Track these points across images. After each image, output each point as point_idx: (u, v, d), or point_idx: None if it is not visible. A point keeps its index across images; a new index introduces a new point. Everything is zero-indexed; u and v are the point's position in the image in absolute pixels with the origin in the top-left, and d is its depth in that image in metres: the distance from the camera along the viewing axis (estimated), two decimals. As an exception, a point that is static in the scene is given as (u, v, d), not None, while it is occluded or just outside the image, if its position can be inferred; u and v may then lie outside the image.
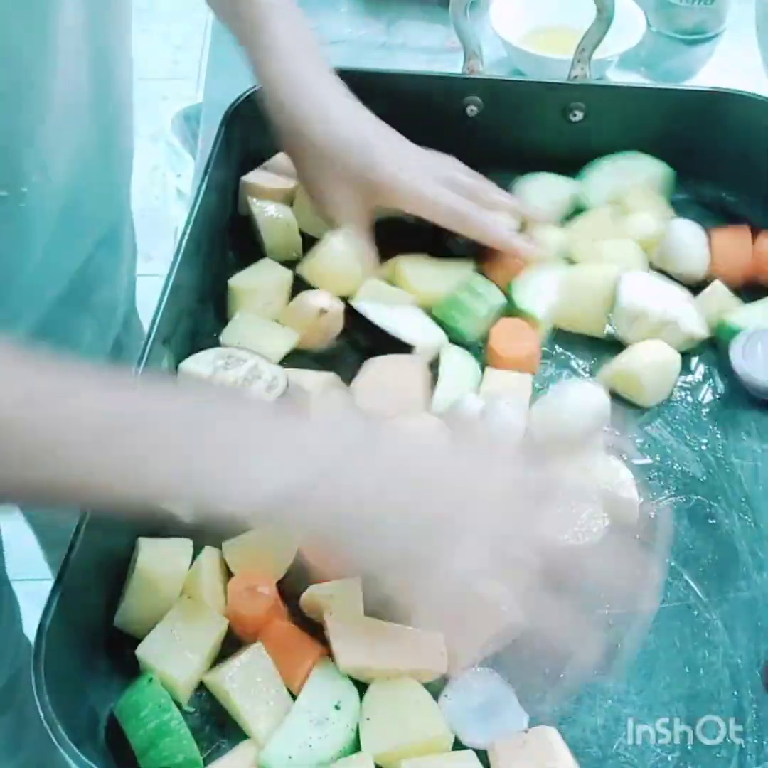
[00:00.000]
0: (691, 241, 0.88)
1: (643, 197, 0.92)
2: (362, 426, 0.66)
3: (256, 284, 0.86)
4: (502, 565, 0.61)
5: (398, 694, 0.63)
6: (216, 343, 0.82)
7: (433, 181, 0.85)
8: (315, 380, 0.80)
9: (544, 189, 0.94)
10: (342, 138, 0.83)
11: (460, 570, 0.59)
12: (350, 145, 0.83)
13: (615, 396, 0.79)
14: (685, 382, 0.82)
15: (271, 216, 0.91)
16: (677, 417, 0.80)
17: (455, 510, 0.60)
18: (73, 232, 0.79)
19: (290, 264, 0.88)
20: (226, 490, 0.57)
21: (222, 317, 0.86)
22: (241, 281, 0.86)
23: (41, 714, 0.57)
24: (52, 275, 0.80)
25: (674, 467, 0.77)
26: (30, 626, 0.61)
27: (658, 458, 0.77)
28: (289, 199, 0.94)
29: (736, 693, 0.65)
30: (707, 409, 0.81)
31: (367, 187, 0.84)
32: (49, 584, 0.62)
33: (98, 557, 0.67)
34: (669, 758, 0.62)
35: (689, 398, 0.82)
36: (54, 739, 0.56)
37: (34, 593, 1.13)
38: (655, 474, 0.76)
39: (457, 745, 0.62)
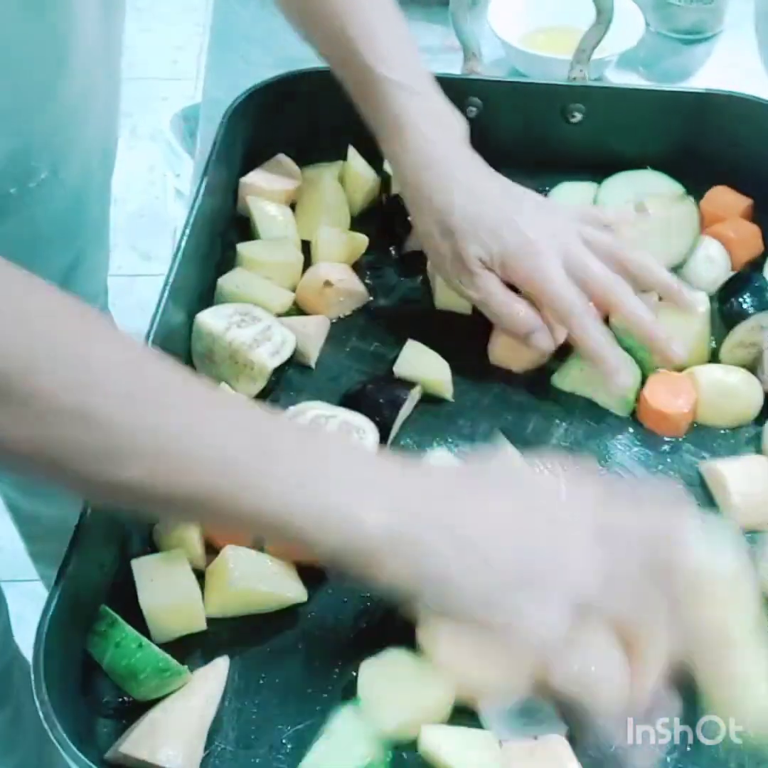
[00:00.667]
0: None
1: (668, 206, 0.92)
2: (455, 472, 0.64)
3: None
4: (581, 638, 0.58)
5: (390, 670, 0.63)
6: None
7: (564, 270, 0.77)
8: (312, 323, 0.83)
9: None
10: (468, 217, 0.78)
11: (537, 637, 0.57)
12: (477, 224, 0.78)
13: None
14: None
15: (271, 217, 0.91)
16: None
17: (548, 565, 0.58)
18: (72, 229, 0.80)
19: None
20: (324, 521, 0.55)
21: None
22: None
23: (41, 714, 0.57)
24: (48, 270, 0.80)
25: None
26: (29, 626, 0.61)
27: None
28: (288, 200, 0.94)
29: (735, 693, 0.65)
30: None
31: (501, 265, 0.78)
32: (46, 585, 0.62)
33: (98, 557, 0.67)
34: (668, 759, 0.62)
35: None
36: (54, 740, 0.56)
37: (30, 593, 1.14)
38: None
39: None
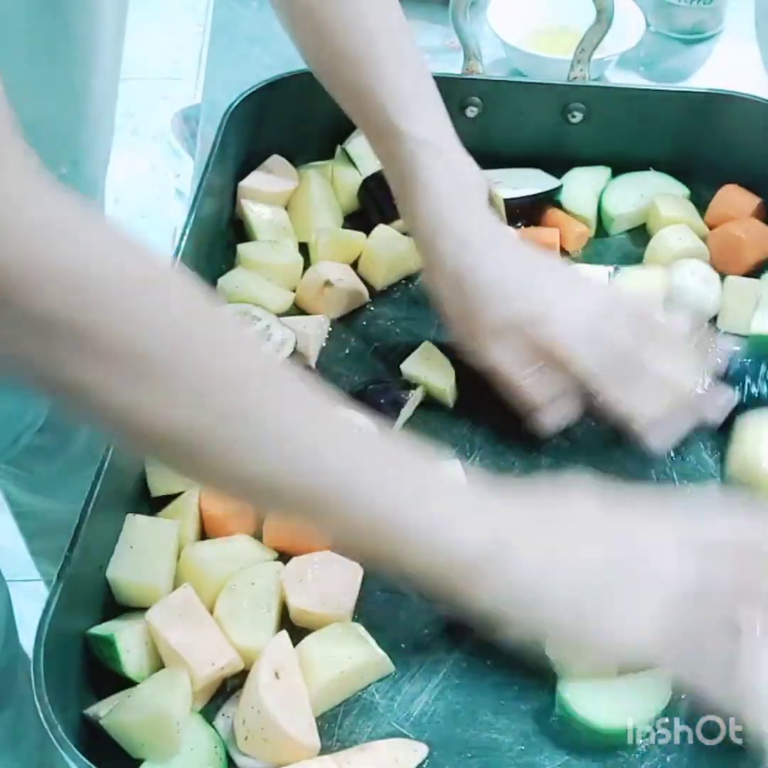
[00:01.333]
0: None
1: (676, 207, 0.92)
2: (532, 492, 0.64)
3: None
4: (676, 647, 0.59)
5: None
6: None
7: (583, 333, 0.75)
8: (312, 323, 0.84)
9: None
10: (481, 284, 0.76)
11: (629, 645, 0.59)
12: (489, 292, 0.76)
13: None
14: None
15: (267, 220, 0.91)
16: None
17: (640, 565, 0.60)
18: None
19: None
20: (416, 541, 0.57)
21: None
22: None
23: (41, 715, 0.57)
24: None
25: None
26: (30, 626, 0.61)
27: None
28: (284, 203, 0.94)
29: (735, 693, 0.65)
30: None
31: (516, 331, 0.76)
32: (47, 583, 0.62)
33: (98, 557, 0.67)
34: (668, 759, 0.62)
35: None
36: (54, 740, 0.56)
37: (32, 593, 1.14)
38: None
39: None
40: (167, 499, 0.73)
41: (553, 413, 0.76)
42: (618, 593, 0.59)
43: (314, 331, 0.83)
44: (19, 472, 1.09)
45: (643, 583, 0.59)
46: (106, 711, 0.62)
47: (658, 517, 0.63)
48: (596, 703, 0.61)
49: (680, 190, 0.94)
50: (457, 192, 0.79)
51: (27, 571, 1.26)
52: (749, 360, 0.78)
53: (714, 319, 0.86)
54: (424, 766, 0.62)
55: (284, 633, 0.65)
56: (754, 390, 0.77)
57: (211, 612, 0.66)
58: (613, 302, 0.78)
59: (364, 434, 0.64)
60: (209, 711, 0.64)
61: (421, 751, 0.63)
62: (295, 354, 0.81)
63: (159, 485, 0.74)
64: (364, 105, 0.80)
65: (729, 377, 0.77)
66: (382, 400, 0.78)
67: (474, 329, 0.77)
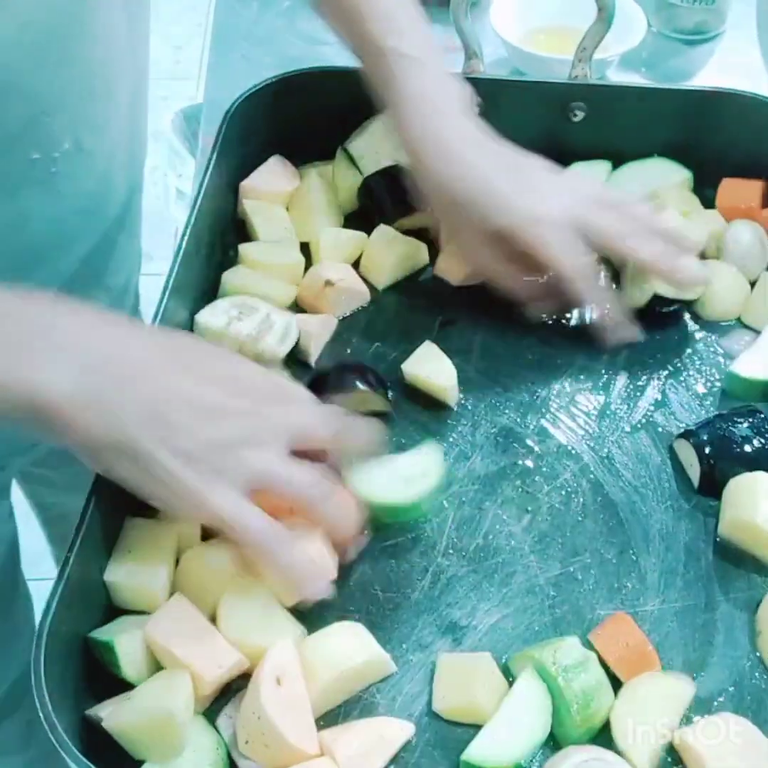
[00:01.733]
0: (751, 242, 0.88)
1: (683, 199, 0.92)
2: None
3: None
4: None
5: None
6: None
7: (569, 232, 0.79)
8: (315, 322, 0.83)
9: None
10: (468, 190, 0.80)
11: None
12: (476, 197, 0.80)
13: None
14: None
15: (269, 220, 0.91)
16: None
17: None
18: (97, 206, 0.80)
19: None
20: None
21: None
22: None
23: (41, 716, 0.57)
24: (71, 248, 0.80)
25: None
26: (31, 626, 0.61)
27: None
28: (285, 202, 0.94)
29: (736, 694, 0.65)
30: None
31: (498, 235, 0.80)
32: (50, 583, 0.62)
33: (98, 557, 0.67)
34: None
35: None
36: (54, 741, 0.56)
37: (35, 592, 1.13)
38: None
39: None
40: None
41: (540, 308, 0.85)
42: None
43: (318, 330, 0.83)
44: (46, 472, 1.10)
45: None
46: (107, 712, 0.62)
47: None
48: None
49: (683, 174, 0.94)
50: (444, 102, 0.82)
51: (28, 569, 1.26)
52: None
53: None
54: (412, 743, 0.63)
55: (287, 638, 0.65)
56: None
57: (213, 616, 0.66)
58: (600, 196, 0.83)
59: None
60: (212, 711, 0.64)
61: (407, 729, 0.63)
62: (297, 351, 0.81)
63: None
64: (353, 27, 0.84)
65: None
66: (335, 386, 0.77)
67: (462, 237, 0.83)
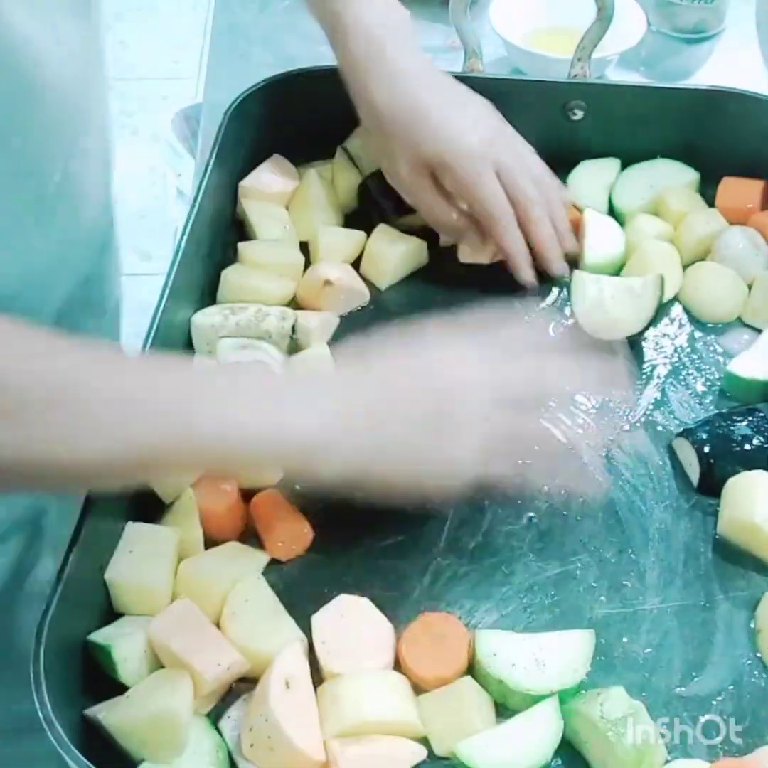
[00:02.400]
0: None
1: (686, 199, 0.92)
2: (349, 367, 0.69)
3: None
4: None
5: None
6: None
7: (489, 168, 0.84)
8: (317, 319, 0.84)
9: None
10: (404, 120, 0.83)
11: (462, 466, 0.64)
12: (411, 128, 0.83)
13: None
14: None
15: (268, 219, 0.91)
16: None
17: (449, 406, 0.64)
18: (85, 235, 0.80)
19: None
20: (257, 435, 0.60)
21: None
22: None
23: (41, 715, 0.57)
24: (64, 275, 0.80)
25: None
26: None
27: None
28: (285, 202, 0.94)
29: (736, 693, 0.65)
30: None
31: (426, 162, 0.84)
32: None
33: (98, 557, 0.67)
34: (669, 758, 0.62)
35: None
36: (53, 740, 0.56)
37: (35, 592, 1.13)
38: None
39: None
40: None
41: (469, 245, 0.89)
42: (438, 431, 0.64)
43: (317, 327, 0.83)
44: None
45: (456, 414, 0.64)
46: (106, 711, 0.62)
47: (451, 347, 0.68)
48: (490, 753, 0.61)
49: (690, 175, 0.94)
50: (385, 27, 0.84)
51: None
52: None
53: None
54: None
55: (296, 643, 0.64)
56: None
57: (216, 623, 0.66)
58: (524, 152, 0.87)
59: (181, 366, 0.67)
60: (215, 714, 0.64)
61: (418, 754, 0.62)
62: (296, 349, 0.81)
63: (170, 491, 0.73)
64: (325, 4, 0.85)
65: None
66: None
67: (394, 165, 0.85)
